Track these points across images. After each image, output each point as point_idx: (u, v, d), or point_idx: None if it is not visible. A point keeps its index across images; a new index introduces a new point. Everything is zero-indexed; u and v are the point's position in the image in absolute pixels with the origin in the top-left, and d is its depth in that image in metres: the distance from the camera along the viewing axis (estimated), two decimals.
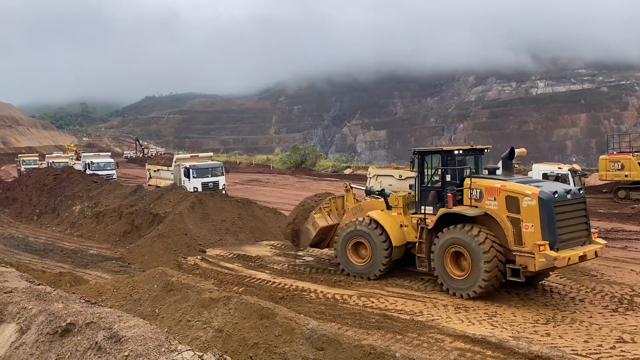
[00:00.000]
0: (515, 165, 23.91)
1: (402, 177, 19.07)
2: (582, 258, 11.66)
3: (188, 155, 37.13)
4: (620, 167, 28.72)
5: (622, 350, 9.13)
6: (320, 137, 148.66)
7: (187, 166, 31.89)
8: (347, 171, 52.94)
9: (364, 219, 14.69)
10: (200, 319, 7.79)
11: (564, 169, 18.89)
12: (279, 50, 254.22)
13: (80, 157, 50.73)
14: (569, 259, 11.25)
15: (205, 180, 31.60)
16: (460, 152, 13.71)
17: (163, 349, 4.76)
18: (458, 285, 12.30)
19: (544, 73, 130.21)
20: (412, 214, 14.10)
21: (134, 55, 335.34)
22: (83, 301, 6.83)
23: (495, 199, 12.07)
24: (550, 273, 13.28)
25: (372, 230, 14.22)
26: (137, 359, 4.69)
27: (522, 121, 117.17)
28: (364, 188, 16.98)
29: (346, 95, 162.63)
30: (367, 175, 22.37)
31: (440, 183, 13.66)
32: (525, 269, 11.43)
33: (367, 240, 14.32)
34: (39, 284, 8.28)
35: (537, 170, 19.25)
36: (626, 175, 28.51)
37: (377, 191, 15.81)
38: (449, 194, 12.83)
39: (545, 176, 18.59)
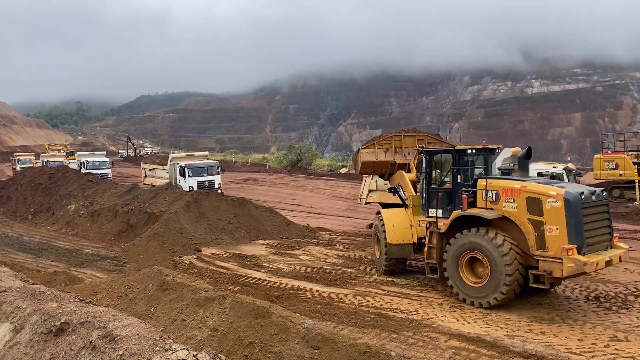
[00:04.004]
0: (510, 165, 23.94)
1: None
2: (609, 263, 10.85)
3: (183, 154, 37.11)
4: (614, 167, 28.85)
5: (616, 349, 9.18)
6: (316, 136, 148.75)
7: (183, 165, 31.87)
8: (343, 170, 52.94)
9: (379, 213, 14.94)
10: (195, 318, 7.78)
11: (559, 168, 18.96)
12: (273, 49, 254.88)
13: (70, 155, 50.51)
14: (597, 264, 10.44)
15: (200, 179, 31.59)
16: (474, 151, 13.14)
17: (157, 348, 4.75)
18: (475, 293, 11.52)
19: (539, 72, 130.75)
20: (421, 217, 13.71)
21: (129, 54, 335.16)
22: (77, 300, 6.81)
23: (514, 201, 11.27)
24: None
25: (380, 226, 14.40)
26: (132, 358, 4.68)
27: (517, 120, 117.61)
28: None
29: (342, 94, 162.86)
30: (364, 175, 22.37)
31: (449, 184, 13.07)
32: (550, 275, 10.67)
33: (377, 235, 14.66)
34: (33, 283, 8.25)
35: (532, 169, 19.24)
36: (620, 175, 28.64)
37: (390, 189, 15.75)
38: (464, 195, 12.02)
39: (540, 175, 18.61)
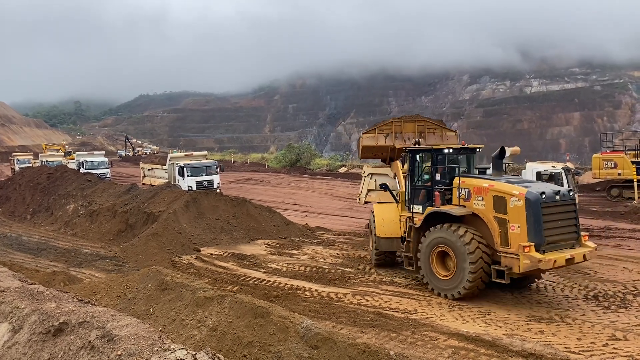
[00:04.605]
0: (510, 164, 24.03)
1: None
2: (570, 261, 11.27)
3: (182, 154, 37.03)
4: (613, 166, 28.90)
5: (614, 348, 9.19)
6: (315, 136, 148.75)
7: (182, 165, 31.81)
8: (342, 170, 52.95)
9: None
10: (194, 318, 7.78)
11: (558, 167, 18.93)
12: (272, 49, 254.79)
13: (68, 154, 50.37)
14: (555, 261, 10.91)
15: (199, 178, 31.56)
16: (451, 150, 13.69)
17: (156, 348, 4.75)
18: (443, 285, 12.18)
19: (538, 72, 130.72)
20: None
21: (127, 53, 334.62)
22: (76, 300, 6.81)
23: (482, 199, 11.85)
24: (542, 275, 13.08)
25: (372, 220, 15.17)
26: (130, 358, 4.68)
27: (516, 120, 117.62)
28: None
29: (341, 93, 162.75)
30: (362, 174, 22.36)
31: (431, 182, 13.73)
32: (510, 270, 11.19)
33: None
34: (31, 283, 8.25)
35: (531, 168, 19.28)
36: (619, 174, 28.69)
37: (381, 185, 16.47)
38: (437, 193, 12.74)
39: (539, 175, 18.58)
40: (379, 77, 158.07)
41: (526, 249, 10.84)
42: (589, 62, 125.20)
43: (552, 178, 18.35)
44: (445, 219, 12.30)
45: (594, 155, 31.41)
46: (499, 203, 11.51)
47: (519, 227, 11.11)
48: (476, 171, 13.53)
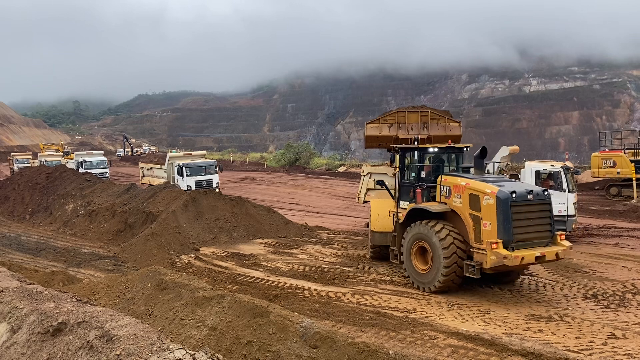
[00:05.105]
0: (508, 163, 24.03)
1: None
2: (540, 259, 11.50)
3: (181, 154, 37.02)
4: (612, 164, 28.93)
5: (613, 347, 9.19)
6: (314, 135, 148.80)
7: (181, 164, 31.79)
8: (341, 169, 52.95)
9: None
10: (193, 318, 7.77)
11: (557, 166, 18.94)
12: (270, 48, 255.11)
13: (67, 154, 50.27)
14: (523, 258, 11.21)
15: (198, 178, 31.55)
16: (436, 149, 14.21)
17: (155, 348, 4.74)
18: (421, 279, 12.69)
19: (536, 71, 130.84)
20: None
21: (126, 53, 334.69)
22: (75, 300, 6.80)
23: (460, 197, 12.30)
24: (526, 271, 13.46)
25: (369, 214, 15.76)
26: (129, 358, 4.67)
27: (515, 119, 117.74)
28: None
29: (340, 92, 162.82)
30: (361, 174, 22.35)
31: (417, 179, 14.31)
32: (480, 265, 11.59)
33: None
34: (30, 283, 8.24)
35: (530, 167, 19.28)
36: (618, 172, 28.71)
37: (378, 182, 16.78)
38: (419, 190, 13.25)
39: (538, 174, 18.60)
40: (377, 76, 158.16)
41: (493, 246, 11.21)
42: (588, 61, 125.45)
43: (551, 177, 18.38)
44: (427, 215, 12.78)
45: (593, 154, 31.42)
46: (474, 201, 11.93)
47: (490, 224, 11.51)
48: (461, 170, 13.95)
